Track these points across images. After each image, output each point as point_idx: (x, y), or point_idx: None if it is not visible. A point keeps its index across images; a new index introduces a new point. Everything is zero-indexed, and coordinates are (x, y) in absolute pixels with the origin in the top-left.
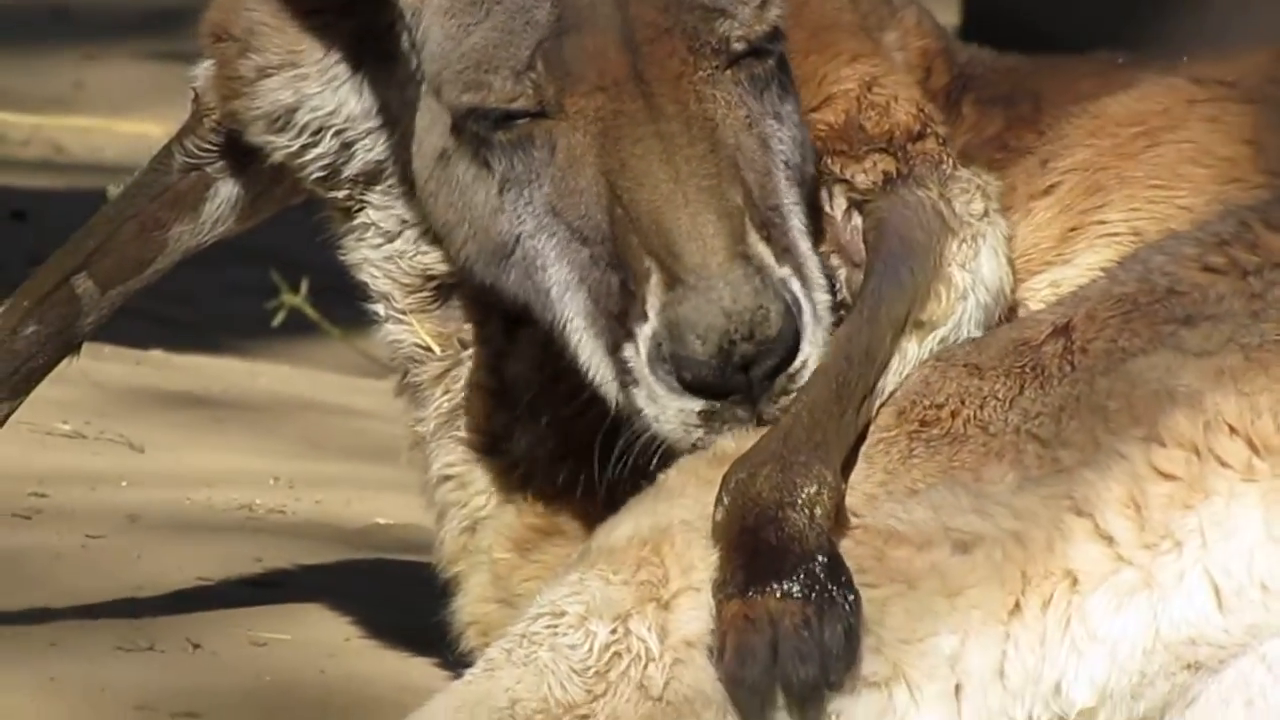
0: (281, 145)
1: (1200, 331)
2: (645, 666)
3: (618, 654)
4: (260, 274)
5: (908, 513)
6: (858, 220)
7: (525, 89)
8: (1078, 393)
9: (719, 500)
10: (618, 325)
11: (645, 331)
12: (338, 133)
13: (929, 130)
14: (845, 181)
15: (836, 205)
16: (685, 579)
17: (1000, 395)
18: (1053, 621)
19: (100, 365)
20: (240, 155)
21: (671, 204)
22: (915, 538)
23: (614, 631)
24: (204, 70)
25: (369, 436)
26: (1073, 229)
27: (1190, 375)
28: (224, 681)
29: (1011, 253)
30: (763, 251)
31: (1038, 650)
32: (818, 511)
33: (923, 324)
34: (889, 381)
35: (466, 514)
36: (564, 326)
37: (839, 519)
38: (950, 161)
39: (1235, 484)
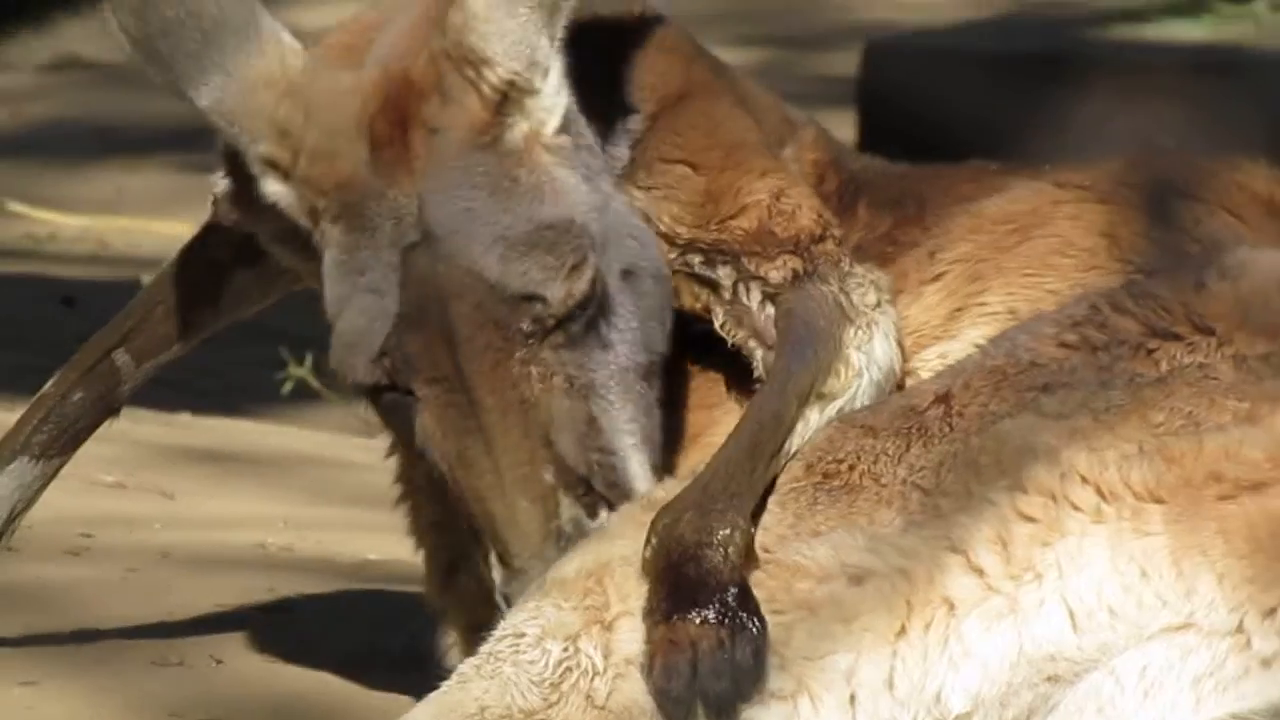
0: (279, 251)
1: (1057, 398)
2: (592, 679)
3: (569, 669)
4: (271, 350)
5: (811, 551)
6: (770, 310)
7: (381, 374)
8: (954, 450)
9: (648, 540)
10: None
11: (497, 590)
12: None
13: (828, 234)
14: (760, 278)
15: (753, 298)
16: (623, 605)
17: (890, 452)
18: (933, 641)
19: (137, 426)
20: (254, 251)
21: (494, 494)
22: (817, 572)
23: (565, 650)
24: (221, 180)
25: (362, 487)
26: (958, 309)
27: (1049, 434)
28: (242, 692)
29: (901, 337)
30: (577, 516)
31: (921, 665)
32: (731, 551)
33: (824, 395)
34: (794, 443)
35: (449, 557)
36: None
37: (751, 556)
38: (848, 260)
39: (1086, 525)
